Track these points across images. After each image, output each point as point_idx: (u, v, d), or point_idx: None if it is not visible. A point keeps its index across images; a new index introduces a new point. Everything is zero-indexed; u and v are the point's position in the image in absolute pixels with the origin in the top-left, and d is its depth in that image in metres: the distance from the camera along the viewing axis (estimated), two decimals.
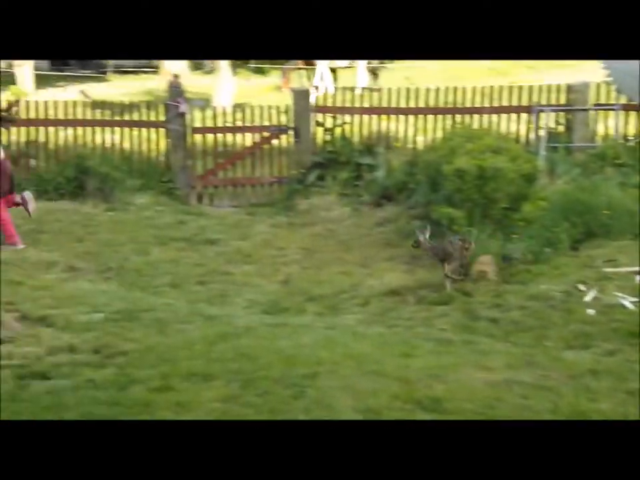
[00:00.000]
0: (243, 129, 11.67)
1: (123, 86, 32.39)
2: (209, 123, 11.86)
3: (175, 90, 11.43)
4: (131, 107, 11.96)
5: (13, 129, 11.32)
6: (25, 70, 31.77)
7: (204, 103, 19.72)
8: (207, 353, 5.14)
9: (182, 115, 11.30)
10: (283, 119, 11.48)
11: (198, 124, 11.68)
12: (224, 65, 22.14)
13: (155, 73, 35.49)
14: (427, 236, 7.19)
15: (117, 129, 11.76)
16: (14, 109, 9.21)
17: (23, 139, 11.44)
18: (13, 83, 31.81)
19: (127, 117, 11.77)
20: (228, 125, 11.77)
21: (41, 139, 11.51)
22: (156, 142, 11.71)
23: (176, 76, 12.08)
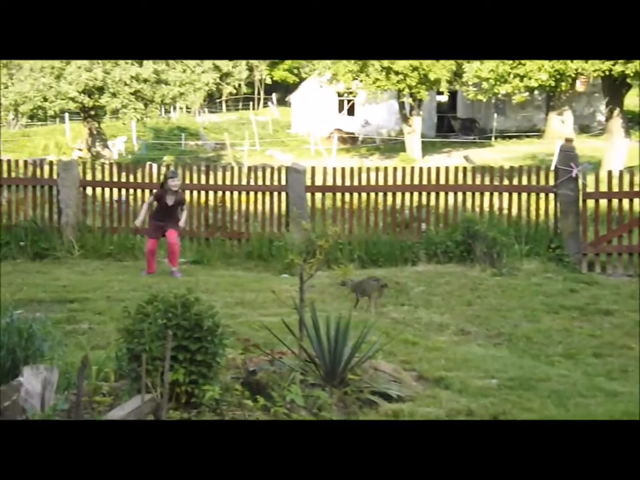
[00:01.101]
0: None
1: (505, 150, 32.94)
2: (601, 188, 11.39)
3: (567, 154, 11.18)
4: (515, 171, 11.91)
5: (407, 195, 11.95)
6: (414, 138, 33.85)
7: (592, 166, 19.14)
8: None
9: (574, 179, 11.00)
10: None
11: (589, 188, 11.27)
12: (616, 127, 21.35)
13: (538, 137, 35.51)
14: (351, 278, 8.92)
15: (503, 194, 11.83)
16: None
17: (414, 203, 12.02)
18: (403, 150, 34.08)
19: (511, 182, 11.77)
20: (623, 190, 11.18)
21: (431, 203, 11.99)
22: (544, 207, 11.55)
23: (568, 139, 11.83)
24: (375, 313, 8.46)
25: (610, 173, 11.67)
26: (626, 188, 11.21)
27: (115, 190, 12.64)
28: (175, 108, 48.93)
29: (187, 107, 49.69)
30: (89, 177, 12.85)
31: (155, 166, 13.60)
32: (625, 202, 11.13)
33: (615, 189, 11.21)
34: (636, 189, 11.08)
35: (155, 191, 11.15)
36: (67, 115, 40.64)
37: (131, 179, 12.51)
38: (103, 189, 12.73)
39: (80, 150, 33.56)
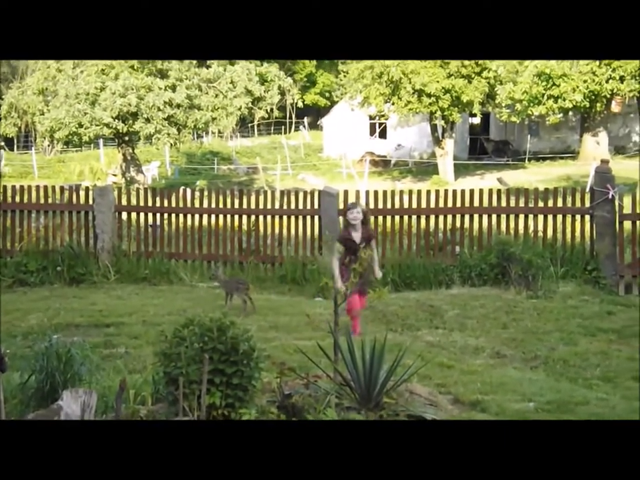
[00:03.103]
0: None
1: (539, 172, 32.74)
2: (638, 209, 11.26)
3: (603, 175, 11.10)
4: (550, 193, 11.78)
5: (440, 217, 11.92)
6: (446, 160, 33.81)
7: (628, 187, 18.95)
8: None
9: (610, 201, 10.91)
10: None
11: (626, 210, 11.17)
12: None
13: (572, 158, 35.21)
14: (221, 272, 10.09)
15: (538, 216, 11.75)
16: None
17: (448, 226, 11.99)
18: (436, 172, 34.03)
19: (546, 204, 11.67)
20: None
21: (464, 226, 11.93)
22: (579, 229, 11.45)
23: (604, 161, 11.72)
24: (245, 311, 9.30)
25: None
26: None
27: (150, 215, 12.77)
28: (207, 133, 49.45)
29: (220, 132, 50.20)
30: (123, 202, 13.01)
31: (188, 190, 13.71)
32: None
33: None
34: None
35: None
36: (101, 140, 41.25)
37: (165, 203, 12.64)
38: (137, 214, 12.86)
39: (114, 175, 34.02)
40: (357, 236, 8.44)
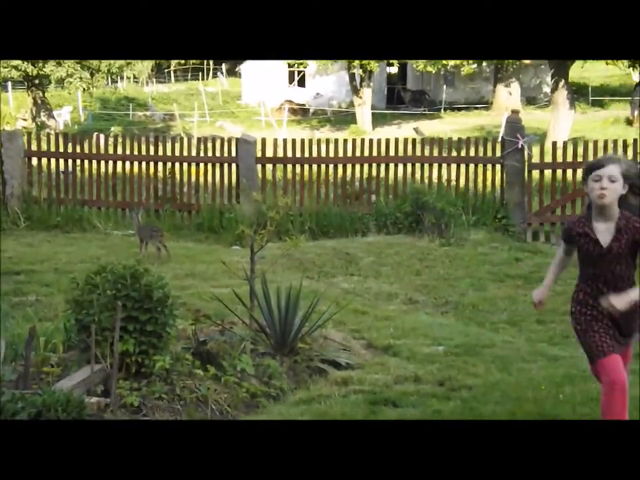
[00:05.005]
0: (583, 164, 11.23)
1: (454, 122, 33.24)
2: (546, 159, 11.61)
3: (514, 125, 11.35)
4: (463, 142, 11.97)
5: (357, 166, 12.00)
6: (364, 109, 33.87)
7: (537, 137, 19.44)
8: (555, 395, 4.95)
9: (520, 150, 11.19)
10: (629, 153, 10.85)
11: (535, 159, 11.49)
12: (561, 99, 21.67)
13: (486, 108, 35.79)
14: (140, 217, 9.94)
15: (452, 165, 11.96)
16: None
17: (365, 175, 12.09)
18: (354, 122, 34.05)
19: (460, 153, 11.86)
20: (567, 160, 11.41)
21: (380, 175, 12.06)
22: (491, 178, 11.72)
23: (514, 111, 11.98)
24: (159, 258, 9.31)
25: (554, 144, 11.90)
26: (570, 159, 11.46)
27: (62, 161, 12.44)
28: (122, 77, 48.03)
29: (135, 77, 48.86)
30: (34, 148, 12.62)
31: (102, 136, 13.38)
32: (569, 172, 11.38)
33: (559, 159, 11.44)
34: (579, 159, 11.30)
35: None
36: (9, 83, 39.63)
37: (78, 149, 12.32)
38: (48, 160, 12.51)
39: (24, 120, 32.82)
40: (603, 230, 3.98)
